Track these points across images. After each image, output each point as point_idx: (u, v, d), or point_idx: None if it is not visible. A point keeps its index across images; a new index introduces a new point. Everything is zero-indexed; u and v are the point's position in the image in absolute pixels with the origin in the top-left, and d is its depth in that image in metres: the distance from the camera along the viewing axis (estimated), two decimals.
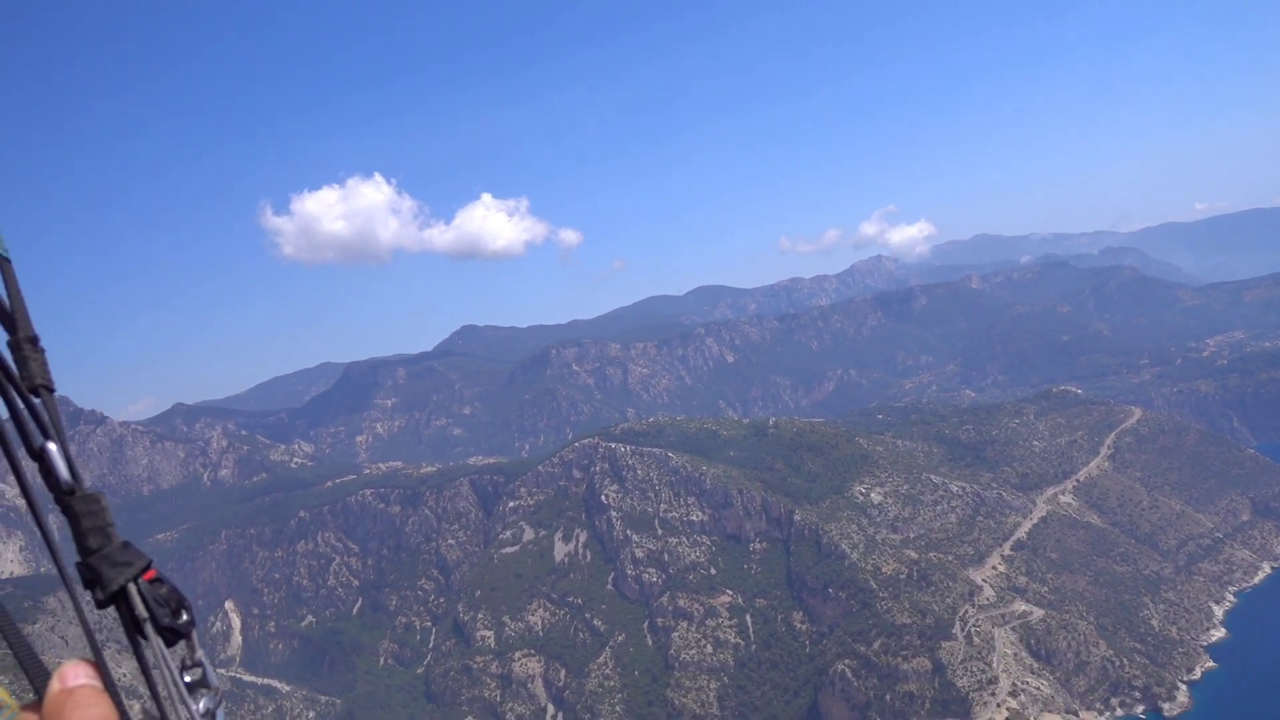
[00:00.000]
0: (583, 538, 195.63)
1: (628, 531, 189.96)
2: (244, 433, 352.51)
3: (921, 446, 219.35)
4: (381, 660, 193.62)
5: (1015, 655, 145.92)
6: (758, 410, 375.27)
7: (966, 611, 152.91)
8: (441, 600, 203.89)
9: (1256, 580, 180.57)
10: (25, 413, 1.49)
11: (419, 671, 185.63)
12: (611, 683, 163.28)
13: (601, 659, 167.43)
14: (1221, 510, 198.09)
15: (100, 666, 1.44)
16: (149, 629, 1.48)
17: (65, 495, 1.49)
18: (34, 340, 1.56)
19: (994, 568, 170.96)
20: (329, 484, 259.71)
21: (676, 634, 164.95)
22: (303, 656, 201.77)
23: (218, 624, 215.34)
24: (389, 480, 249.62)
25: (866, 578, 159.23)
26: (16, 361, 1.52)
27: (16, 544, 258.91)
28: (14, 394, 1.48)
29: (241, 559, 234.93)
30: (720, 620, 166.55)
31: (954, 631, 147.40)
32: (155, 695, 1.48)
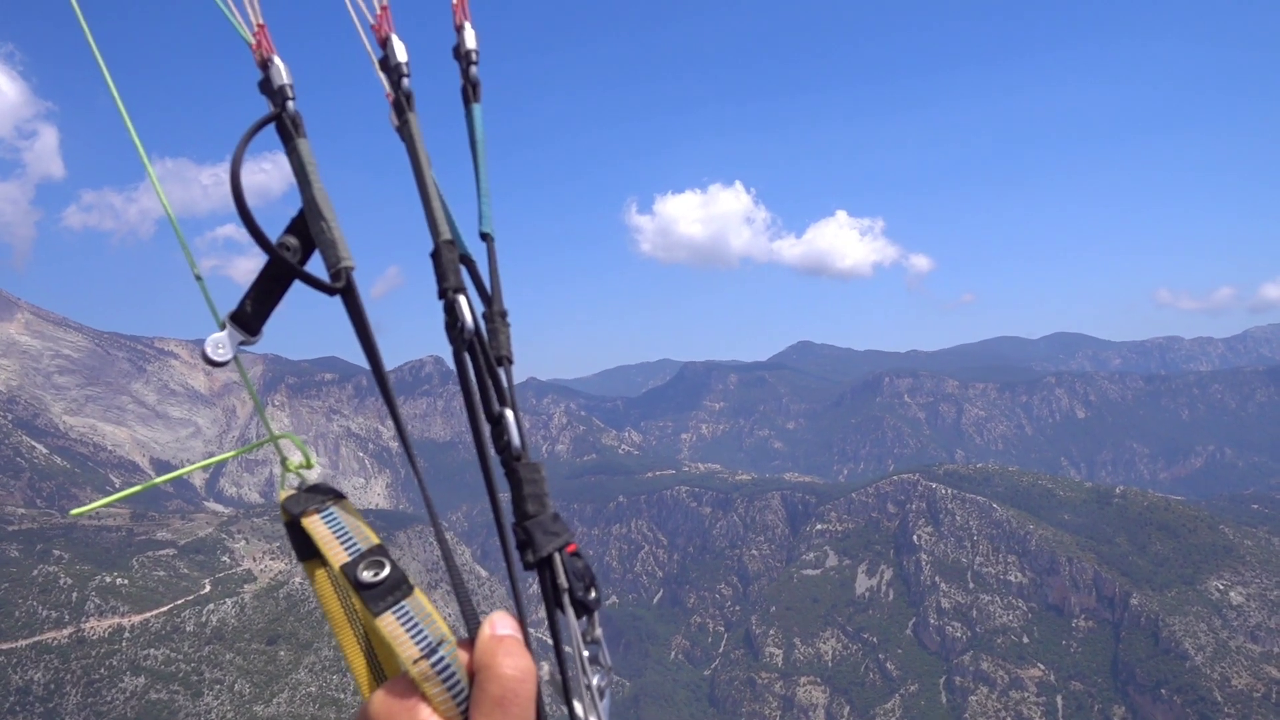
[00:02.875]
0: (887, 575, 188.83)
1: (936, 578, 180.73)
2: (583, 414, 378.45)
3: None
4: (673, 654, 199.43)
5: None
6: (1104, 476, 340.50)
7: None
8: (737, 608, 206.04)
9: None
10: (490, 380, 1.67)
11: (705, 673, 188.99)
12: None
13: (890, 705, 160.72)
14: None
15: (522, 622, 1.59)
16: (565, 599, 1.59)
17: (513, 460, 1.63)
18: (504, 315, 1.76)
19: None
20: (649, 475, 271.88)
21: (974, 698, 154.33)
22: (603, 634, 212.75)
23: (533, 586, 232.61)
24: (705, 481, 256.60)
25: (1211, 687, 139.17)
26: (489, 333, 1.70)
27: (384, 480, 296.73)
28: (483, 362, 1.65)
29: None
30: (1026, 694, 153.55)
31: None
32: (561, 662, 1.58)
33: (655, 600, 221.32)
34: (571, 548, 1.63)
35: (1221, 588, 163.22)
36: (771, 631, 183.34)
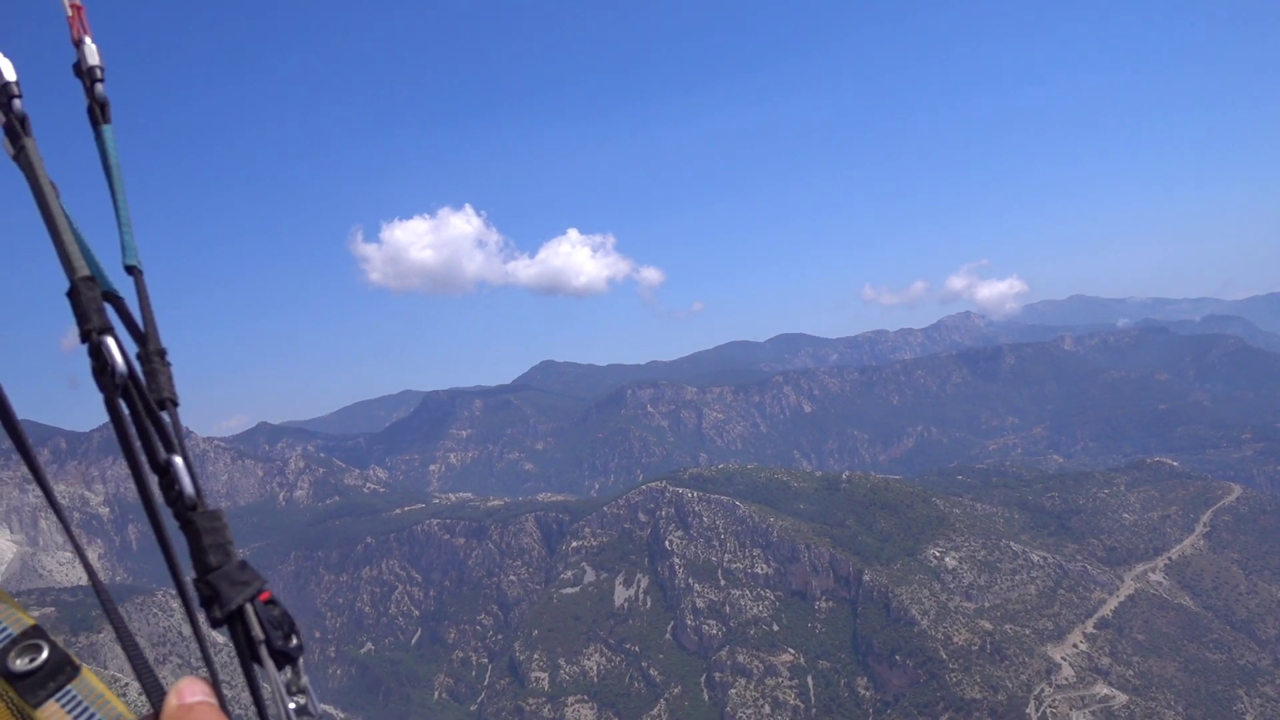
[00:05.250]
0: (644, 583, 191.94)
1: (690, 580, 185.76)
2: (322, 455, 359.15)
3: (1002, 512, 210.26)
4: (436, 694, 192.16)
5: None
6: (833, 463, 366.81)
7: (1043, 690, 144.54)
8: (499, 637, 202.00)
9: None
10: (151, 426, 1.47)
11: (471, 709, 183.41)
12: None
13: (656, 710, 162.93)
14: None
15: (215, 685, 1.45)
16: (263, 651, 1.46)
17: (187, 510, 1.46)
18: (163, 354, 1.58)
19: (1075, 646, 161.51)
20: (398, 511, 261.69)
21: (734, 691, 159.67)
22: (360, 684, 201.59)
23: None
24: (456, 511, 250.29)
25: (936, 647, 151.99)
26: (145, 374, 1.52)
27: (96, 551, 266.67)
28: (141, 407, 1.46)
29: (308, 581, 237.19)
30: (780, 680, 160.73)
31: (1028, 711, 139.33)
32: (263, 718, 1.47)
33: (414, 641, 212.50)
34: (265, 595, 1.51)
35: (938, 554, 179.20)
36: (536, 656, 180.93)
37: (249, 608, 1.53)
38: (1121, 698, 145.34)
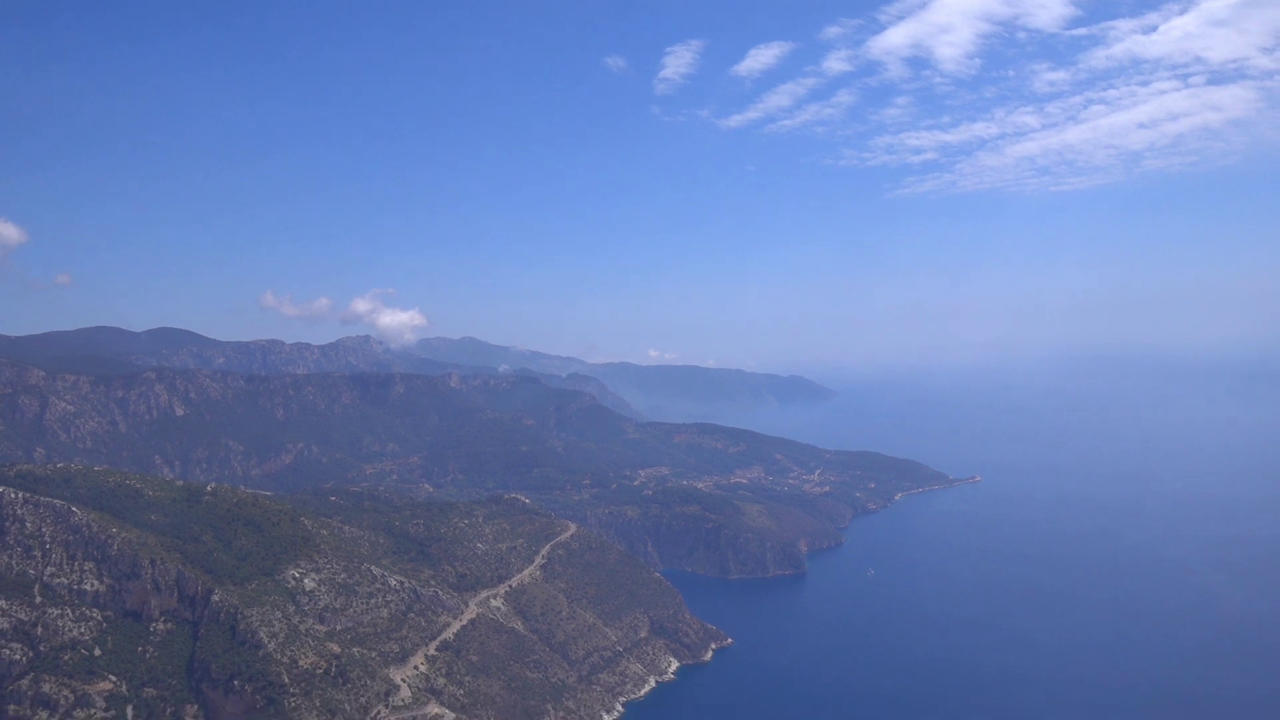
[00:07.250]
0: None
1: None
2: None
3: (369, 535, 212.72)
4: None
5: None
6: (199, 473, 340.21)
7: (379, 712, 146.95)
8: None
9: (643, 693, 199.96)
10: None
11: None
12: None
13: None
14: (625, 626, 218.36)
15: None
16: None
17: None
18: None
19: (416, 667, 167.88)
20: None
21: None
22: None
23: None
24: None
25: (280, 671, 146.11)
26: None
27: None
28: None
29: None
30: (93, 712, 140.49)
31: None
32: None
33: None
34: None
35: (298, 575, 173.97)
36: None
37: None
38: (450, 716, 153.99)
